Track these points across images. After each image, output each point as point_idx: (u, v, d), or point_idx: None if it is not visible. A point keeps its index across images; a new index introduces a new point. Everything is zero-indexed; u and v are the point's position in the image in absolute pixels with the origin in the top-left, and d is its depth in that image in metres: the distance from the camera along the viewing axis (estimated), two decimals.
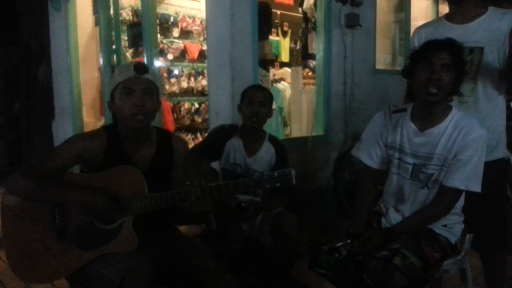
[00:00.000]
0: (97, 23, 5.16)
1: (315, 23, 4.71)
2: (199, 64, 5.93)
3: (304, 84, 5.48)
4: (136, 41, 5.24)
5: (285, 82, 5.77)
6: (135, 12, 5.46)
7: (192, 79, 5.88)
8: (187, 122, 5.84)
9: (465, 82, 2.09)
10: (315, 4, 4.64)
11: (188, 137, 5.78)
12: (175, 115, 5.70)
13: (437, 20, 2.34)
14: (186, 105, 5.86)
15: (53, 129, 5.94)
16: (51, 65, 5.83)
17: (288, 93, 5.64)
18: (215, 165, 2.64)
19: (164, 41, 5.64)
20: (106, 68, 4.77)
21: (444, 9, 5.31)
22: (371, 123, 2.08)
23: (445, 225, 1.92)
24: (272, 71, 5.80)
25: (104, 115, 5.08)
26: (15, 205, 1.76)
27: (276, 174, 1.70)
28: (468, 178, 1.80)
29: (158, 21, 5.11)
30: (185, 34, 5.89)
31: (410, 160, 1.92)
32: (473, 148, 1.79)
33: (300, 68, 5.68)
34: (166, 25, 5.68)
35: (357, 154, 2.09)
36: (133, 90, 1.77)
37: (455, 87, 1.84)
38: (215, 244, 2.20)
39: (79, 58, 5.34)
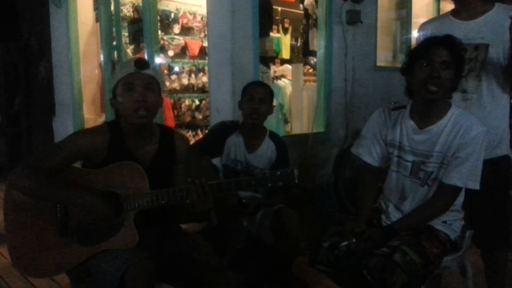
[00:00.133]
0: (97, 19, 5.16)
1: (316, 19, 4.70)
2: (199, 61, 5.93)
3: (305, 81, 5.47)
4: (136, 37, 5.23)
5: (285, 79, 5.77)
6: (135, 8, 5.45)
7: (193, 75, 5.88)
8: (187, 119, 5.84)
9: (470, 79, 2.10)
10: (316, 0, 4.64)
11: (189, 134, 5.78)
12: (175, 112, 5.69)
13: (443, 16, 2.33)
14: (187, 101, 5.86)
15: (53, 126, 5.94)
16: (52, 62, 5.83)
17: (288, 90, 5.63)
18: (216, 161, 2.64)
19: (165, 37, 5.63)
20: (106, 65, 4.77)
21: (445, 6, 5.31)
22: (370, 121, 2.08)
23: (444, 222, 1.92)
24: (273, 68, 5.81)
25: (104, 111, 5.08)
26: (17, 200, 1.76)
27: (279, 173, 1.70)
28: (467, 176, 1.80)
29: (158, 18, 5.09)
30: (186, 30, 5.88)
31: (410, 157, 1.92)
32: (472, 146, 1.79)
33: (301, 65, 5.67)
34: (166, 21, 5.68)
35: (357, 151, 2.09)
36: (134, 86, 1.76)
37: (455, 84, 1.84)
38: (216, 240, 2.20)
39: (79, 55, 5.34)
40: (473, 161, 1.80)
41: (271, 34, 5.78)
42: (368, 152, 2.05)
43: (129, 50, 5.37)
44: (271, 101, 2.60)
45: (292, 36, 6.29)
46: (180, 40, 5.78)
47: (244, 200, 2.40)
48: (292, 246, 2.38)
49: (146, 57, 4.21)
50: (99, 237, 1.74)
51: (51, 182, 1.72)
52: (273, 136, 2.65)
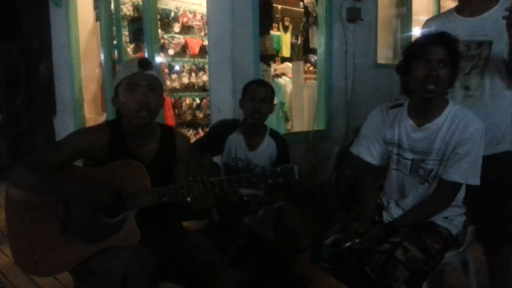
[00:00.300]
0: (97, 18, 5.16)
1: (316, 17, 4.70)
2: (200, 60, 5.92)
3: (306, 78, 5.47)
4: (137, 36, 5.23)
5: (286, 77, 5.76)
6: (135, 7, 5.45)
7: (193, 74, 5.88)
8: (188, 117, 5.84)
9: (473, 76, 2.09)
10: None
11: (190, 133, 5.78)
12: (176, 111, 5.69)
13: (447, 13, 2.32)
14: (188, 100, 5.86)
15: (54, 125, 5.95)
16: (52, 61, 5.83)
17: (289, 88, 5.63)
18: (217, 159, 2.64)
19: (165, 36, 5.63)
20: (107, 64, 4.76)
21: (446, 3, 5.30)
22: (368, 120, 2.08)
23: (446, 217, 1.93)
24: (273, 66, 5.80)
25: (105, 110, 5.08)
26: (19, 198, 1.77)
27: (279, 169, 1.70)
28: (467, 171, 1.80)
29: (159, 16, 5.09)
30: (186, 29, 5.88)
31: (409, 155, 1.92)
32: (471, 142, 1.79)
33: (301, 63, 5.66)
34: (167, 20, 5.67)
35: (356, 151, 2.09)
36: (137, 86, 1.77)
37: (452, 81, 1.84)
38: (218, 238, 2.20)
39: (80, 54, 5.34)
40: (473, 156, 1.80)
41: (271, 32, 5.76)
42: (368, 151, 2.05)
43: (130, 49, 5.37)
44: (272, 100, 2.60)
45: (292, 34, 6.28)
46: (180, 39, 5.77)
47: (245, 198, 2.40)
48: (294, 244, 2.38)
49: (146, 55, 4.21)
50: (101, 235, 1.75)
51: (52, 179, 1.73)
52: (274, 134, 2.65)
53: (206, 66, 5.46)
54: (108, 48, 4.74)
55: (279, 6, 6.03)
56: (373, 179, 2.08)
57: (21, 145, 6.29)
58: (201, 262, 1.79)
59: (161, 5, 5.53)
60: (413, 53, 1.83)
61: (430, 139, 1.86)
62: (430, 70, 1.76)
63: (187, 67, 5.86)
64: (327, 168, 4.21)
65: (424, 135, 1.87)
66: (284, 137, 2.76)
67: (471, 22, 2.11)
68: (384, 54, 4.91)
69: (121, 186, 1.76)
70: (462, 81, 2.13)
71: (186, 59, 5.89)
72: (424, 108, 1.87)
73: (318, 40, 4.33)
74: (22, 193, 1.76)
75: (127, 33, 5.36)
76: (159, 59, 4.54)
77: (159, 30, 5.01)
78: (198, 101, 5.94)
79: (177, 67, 5.76)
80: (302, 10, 5.68)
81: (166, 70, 5.62)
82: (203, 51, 5.76)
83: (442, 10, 5.11)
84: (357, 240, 1.82)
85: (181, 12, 5.81)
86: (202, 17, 5.83)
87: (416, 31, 4.96)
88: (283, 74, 5.83)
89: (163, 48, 5.43)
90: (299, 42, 6.34)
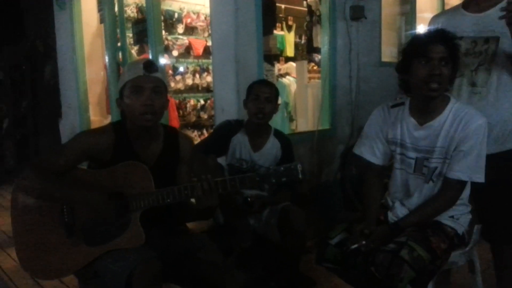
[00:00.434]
0: (102, 20, 5.18)
1: (319, 16, 4.68)
2: (204, 61, 5.92)
3: (310, 78, 5.45)
4: (141, 38, 5.23)
5: (290, 77, 5.75)
6: (139, 9, 5.45)
7: (197, 75, 5.88)
8: (193, 118, 5.84)
9: (480, 73, 2.07)
10: None
11: (194, 134, 5.78)
12: (180, 112, 5.69)
13: (454, 8, 2.29)
14: (192, 101, 5.85)
15: (60, 128, 5.97)
16: (57, 64, 5.85)
17: (293, 87, 5.61)
18: (221, 160, 2.64)
19: (169, 37, 5.63)
20: (111, 66, 4.78)
21: (450, 0, 5.26)
22: (370, 119, 2.07)
23: (452, 216, 1.91)
24: (277, 66, 5.79)
25: (110, 113, 5.09)
26: (24, 201, 1.78)
27: (282, 168, 1.69)
28: (471, 168, 1.79)
29: (162, 18, 5.10)
30: (190, 30, 5.88)
31: (412, 154, 1.91)
32: (474, 139, 1.78)
33: (305, 62, 5.65)
34: (170, 21, 5.67)
35: (359, 152, 2.08)
36: (142, 89, 1.77)
37: (452, 78, 1.84)
38: (222, 239, 2.20)
39: (84, 56, 5.35)
40: (476, 153, 1.79)
41: (275, 32, 5.75)
42: (371, 151, 2.04)
43: (134, 51, 5.38)
44: (277, 100, 2.59)
45: (296, 34, 6.27)
46: (184, 40, 5.77)
47: (249, 199, 2.40)
48: (299, 244, 2.38)
49: (150, 57, 4.21)
50: (105, 237, 1.75)
51: (57, 182, 1.74)
52: (278, 134, 2.65)
53: (210, 67, 5.46)
54: (112, 50, 4.75)
55: (283, 6, 6.03)
56: (377, 179, 2.07)
57: (27, 148, 6.33)
58: (205, 264, 1.78)
59: (165, 7, 5.53)
60: (413, 52, 1.81)
61: (433, 137, 1.85)
62: (433, 68, 1.75)
63: (191, 68, 5.86)
64: (332, 168, 4.20)
65: (427, 133, 1.86)
66: (289, 137, 2.75)
67: (478, 18, 2.09)
68: (389, 52, 4.88)
69: (125, 188, 1.76)
70: (468, 77, 2.11)
71: (190, 60, 5.89)
72: (426, 106, 1.86)
73: (321, 39, 4.32)
74: (28, 196, 1.77)
75: (131, 35, 5.37)
76: (163, 60, 4.55)
77: (163, 32, 5.02)
78: (202, 102, 5.94)
79: (181, 68, 5.77)
80: (306, 9, 5.65)
81: (170, 72, 5.62)
82: (207, 52, 5.76)
83: (446, 7, 5.08)
84: (364, 242, 1.80)
85: (184, 13, 5.81)
86: (205, 18, 5.83)
87: (421, 29, 4.94)
88: (287, 73, 5.81)
89: (167, 50, 5.43)
90: (302, 41, 6.31)
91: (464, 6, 2.18)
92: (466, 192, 1.92)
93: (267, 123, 2.60)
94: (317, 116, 4.35)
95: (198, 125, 5.94)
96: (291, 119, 5.58)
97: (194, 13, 5.88)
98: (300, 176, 1.68)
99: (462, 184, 1.84)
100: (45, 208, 1.77)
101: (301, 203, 2.52)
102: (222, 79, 3.56)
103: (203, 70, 5.93)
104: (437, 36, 1.80)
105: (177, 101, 5.66)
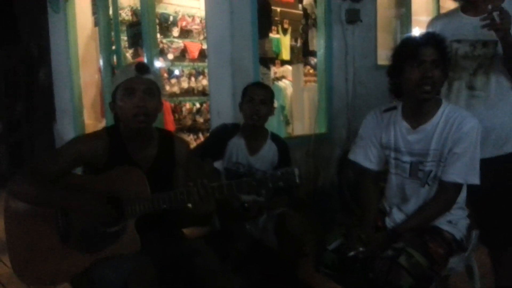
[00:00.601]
0: (96, 23, 5.17)
1: (315, 19, 4.69)
2: (199, 64, 5.91)
3: (306, 81, 5.46)
4: (135, 41, 5.22)
5: (286, 80, 5.75)
6: (134, 12, 5.44)
7: (193, 79, 5.87)
8: (188, 122, 5.83)
9: (478, 76, 2.08)
10: (315, 0, 4.62)
11: (190, 138, 5.76)
12: (176, 116, 5.68)
13: (452, 11, 2.29)
14: (188, 105, 5.84)
15: (54, 132, 5.94)
16: (51, 67, 5.82)
17: (289, 91, 5.61)
18: (218, 165, 2.62)
19: (164, 40, 5.62)
20: (106, 69, 4.77)
21: (445, 3, 5.27)
22: (363, 125, 2.07)
23: (449, 221, 1.90)
24: (273, 69, 5.78)
25: (105, 116, 5.07)
26: (18, 208, 1.75)
27: (279, 173, 1.68)
28: (465, 171, 1.79)
29: (157, 21, 5.10)
30: (185, 33, 5.87)
31: (407, 158, 1.91)
32: (467, 140, 1.78)
33: (301, 66, 5.65)
34: (165, 24, 5.67)
35: (354, 157, 2.08)
36: (134, 91, 1.75)
37: (443, 81, 1.85)
38: (219, 245, 2.18)
39: (79, 60, 5.34)
40: (470, 155, 1.79)
41: (271, 35, 5.75)
42: (366, 157, 2.03)
43: (128, 54, 5.36)
44: (272, 102, 2.58)
45: (291, 37, 6.26)
46: (180, 43, 5.77)
47: (246, 204, 2.38)
48: (296, 250, 2.36)
49: (145, 61, 4.20)
50: (101, 243, 1.73)
51: (51, 188, 1.72)
52: (275, 138, 2.64)
53: (206, 70, 5.45)
54: (107, 54, 4.74)
55: (278, 9, 6.02)
56: (372, 185, 2.06)
57: (21, 152, 6.28)
58: (201, 269, 1.77)
59: (160, 10, 5.52)
60: (405, 55, 1.82)
61: (426, 140, 1.85)
62: (425, 71, 1.75)
63: (186, 71, 5.85)
64: (329, 172, 4.19)
65: (420, 136, 1.86)
66: (285, 140, 2.74)
67: (477, 21, 2.07)
68: (385, 55, 4.87)
69: (121, 193, 1.74)
70: (467, 81, 2.11)
71: (186, 63, 5.88)
72: (419, 110, 1.86)
73: (317, 43, 4.32)
74: (21, 202, 1.75)
75: (125, 38, 5.35)
76: (158, 63, 4.53)
77: (158, 35, 5.02)
78: (198, 105, 5.92)
79: (176, 72, 5.75)
80: (301, 12, 5.66)
81: (166, 75, 5.61)
82: (202, 55, 5.75)
83: (442, 10, 5.10)
84: (361, 249, 1.79)
85: (179, 16, 5.80)
86: (201, 21, 5.82)
87: (416, 32, 4.94)
88: (283, 77, 5.81)
89: (162, 53, 5.43)
90: (298, 44, 6.31)
91: (463, 9, 2.18)
92: (462, 195, 1.92)
93: (263, 127, 2.59)
94: (313, 119, 4.35)
95: (194, 129, 5.92)
96: (287, 123, 5.57)
97: (189, 16, 5.88)
98: (297, 180, 1.66)
99: (457, 186, 1.84)
100: (38, 214, 1.74)
101: (298, 208, 2.51)
102: (218, 82, 3.55)
103: (199, 73, 5.91)
104: (428, 39, 1.82)
105: (172, 104, 5.64)
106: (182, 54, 5.82)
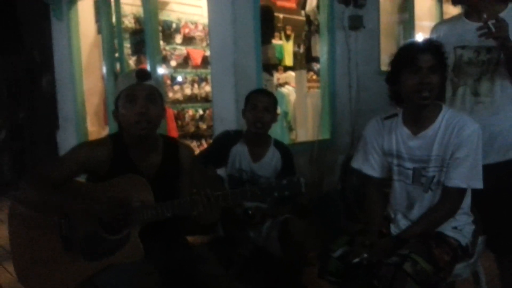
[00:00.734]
0: (99, 31, 5.18)
1: (318, 25, 4.70)
2: (202, 70, 5.93)
3: (309, 87, 5.46)
4: (138, 48, 5.24)
5: (289, 86, 5.75)
6: (137, 20, 5.47)
7: (196, 85, 5.88)
8: (192, 129, 5.84)
9: (483, 82, 2.08)
10: (317, 6, 4.63)
11: (193, 144, 5.76)
12: (179, 122, 5.69)
13: (456, 17, 2.29)
14: (191, 112, 5.86)
15: (57, 139, 5.95)
16: (54, 75, 5.84)
17: (292, 97, 5.61)
18: (221, 171, 2.61)
19: (167, 47, 5.64)
20: (109, 76, 4.78)
21: (448, 8, 5.28)
22: (365, 133, 2.07)
23: (455, 227, 1.89)
24: (276, 75, 5.78)
25: (108, 123, 5.08)
26: (22, 215, 1.75)
27: (285, 182, 1.68)
28: (468, 175, 1.79)
29: (160, 28, 5.11)
30: (188, 40, 5.89)
31: (409, 165, 1.90)
32: (468, 145, 1.78)
33: (304, 72, 5.65)
34: (168, 31, 5.69)
35: (357, 166, 2.08)
36: (135, 97, 1.75)
37: (442, 86, 1.86)
38: (222, 252, 2.17)
39: (82, 67, 5.36)
40: (472, 159, 1.79)
41: (273, 41, 5.76)
42: (369, 164, 2.03)
43: (131, 61, 5.38)
44: (275, 109, 2.58)
45: (294, 43, 6.26)
46: (182, 50, 5.79)
47: (250, 212, 2.37)
48: (300, 257, 2.35)
49: (148, 68, 4.22)
50: (105, 251, 1.72)
51: (54, 195, 1.71)
52: (278, 144, 2.63)
53: (209, 77, 5.46)
54: (110, 61, 4.75)
55: (281, 15, 6.02)
56: (376, 192, 2.06)
57: (24, 160, 6.29)
58: (205, 277, 1.76)
59: (163, 17, 5.54)
60: (402, 62, 1.83)
61: (428, 145, 1.85)
62: (423, 77, 1.76)
63: (189, 78, 5.87)
64: (333, 178, 4.17)
65: (421, 142, 1.86)
66: (289, 147, 2.74)
67: None
68: (388, 61, 4.86)
69: (124, 201, 1.73)
70: (472, 87, 2.11)
71: (189, 70, 5.90)
72: (419, 116, 1.86)
73: (320, 49, 4.33)
74: (25, 210, 1.75)
75: (128, 45, 5.38)
76: (161, 70, 4.54)
77: (161, 42, 5.03)
78: (201, 112, 5.94)
79: (179, 78, 5.77)
80: (304, 18, 5.66)
81: (169, 82, 5.62)
82: (205, 61, 5.77)
83: (445, 16, 5.10)
84: (365, 255, 1.78)
85: (182, 23, 5.83)
86: (203, 28, 5.84)
87: (419, 37, 4.95)
88: (286, 83, 5.81)
89: (165, 60, 5.45)
90: (301, 51, 6.31)
91: (466, 15, 2.18)
92: (467, 200, 1.91)
93: (267, 133, 2.58)
94: (317, 125, 4.35)
95: (197, 136, 5.93)
96: (290, 129, 5.56)
97: (192, 23, 5.90)
98: (303, 189, 1.66)
99: (461, 191, 1.83)
100: (42, 222, 1.74)
101: (302, 214, 2.50)
102: (221, 89, 3.55)
103: (202, 80, 5.93)
104: (425, 45, 1.83)
105: (175, 111, 5.65)
106: (185, 61, 5.84)
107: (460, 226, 1.90)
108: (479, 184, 1.80)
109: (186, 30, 5.83)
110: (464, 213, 1.92)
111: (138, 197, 1.73)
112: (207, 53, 5.57)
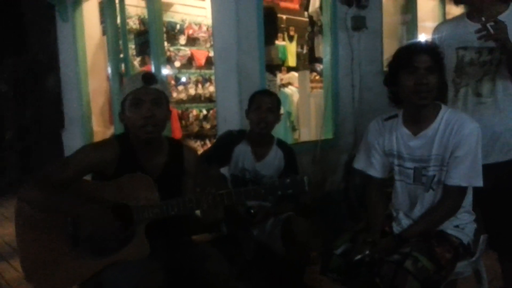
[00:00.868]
0: (104, 32, 5.20)
1: (321, 26, 4.70)
2: (206, 71, 5.94)
3: (312, 88, 5.45)
4: (143, 49, 5.26)
5: (292, 87, 5.76)
6: (142, 21, 5.48)
7: (200, 86, 5.89)
8: (195, 129, 5.85)
9: (485, 83, 2.09)
10: (320, 7, 4.63)
11: (197, 144, 5.78)
12: (183, 122, 5.70)
13: (458, 17, 2.29)
14: (195, 111, 5.87)
15: (63, 139, 5.97)
16: (60, 75, 5.87)
17: (295, 97, 5.62)
18: (224, 171, 2.63)
19: (171, 48, 5.66)
20: (114, 77, 4.80)
21: (451, 9, 5.27)
22: (366, 133, 2.09)
23: (457, 226, 1.91)
24: (279, 75, 5.80)
25: (113, 123, 5.10)
26: (29, 213, 1.77)
27: (288, 180, 1.69)
28: (468, 174, 1.80)
29: (164, 29, 5.13)
30: (192, 41, 5.90)
31: (410, 164, 1.92)
32: (468, 144, 1.79)
33: (307, 72, 5.65)
34: (172, 32, 5.70)
35: (359, 166, 2.10)
36: (141, 101, 1.77)
37: (440, 86, 1.86)
38: (226, 250, 2.19)
39: (87, 68, 5.38)
40: (472, 158, 1.80)
41: (277, 42, 5.77)
42: (370, 165, 2.05)
43: (136, 62, 5.40)
44: (279, 109, 2.59)
45: (297, 44, 6.28)
46: (186, 51, 5.80)
47: (252, 210, 2.39)
48: (303, 255, 2.36)
49: (153, 68, 4.24)
50: (110, 249, 1.74)
51: (61, 195, 1.74)
52: (281, 144, 2.64)
53: (213, 77, 5.47)
54: (115, 62, 4.77)
55: (284, 16, 6.04)
56: (378, 192, 2.07)
57: (30, 159, 6.33)
58: (211, 274, 1.78)
59: (167, 18, 5.55)
60: (399, 63, 1.85)
61: (428, 145, 1.86)
62: (420, 78, 1.78)
63: (193, 78, 5.88)
64: (336, 177, 4.18)
65: (421, 142, 1.88)
66: (292, 146, 2.75)
67: None
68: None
69: (131, 200, 1.75)
70: (474, 88, 2.12)
71: (193, 70, 5.90)
72: (418, 116, 1.88)
73: (323, 49, 4.33)
74: (31, 208, 1.77)
75: (133, 46, 5.40)
76: (165, 71, 4.56)
77: (165, 43, 5.05)
78: (205, 112, 5.95)
79: (183, 79, 5.78)
80: (307, 19, 5.67)
81: (173, 82, 5.64)
82: (209, 62, 5.78)
83: (447, 16, 5.10)
84: (367, 252, 1.80)
85: (186, 24, 5.84)
86: (207, 29, 5.85)
87: (422, 38, 4.95)
88: (289, 83, 5.82)
89: (169, 61, 5.46)
90: (304, 51, 6.32)
91: (468, 15, 2.18)
92: (468, 199, 1.92)
93: (270, 133, 2.60)
94: (320, 125, 4.35)
95: (200, 135, 5.94)
96: (293, 129, 5.58)
97: (196, 24, 5.91)
98: (307, 188, 1.67)
99: (462, 190, 1.85)
100: (49, 220, 1.77)
101: (305, 214, 2.51)
102: (224, 89, 3.56)
103: (206, 80, 5.94)
104: (421, 46, 1.86)
105: (179, 111, 5.66)
106: (189, 62, 5.85)
107: (462, 225, 1.91)
108: (479, 182, 1.81)
109: (190, 31, 5.84)
110: (466, 211, 1.93)
111: (144, 195, 1.76)
112: (211, 54, 5.59)
